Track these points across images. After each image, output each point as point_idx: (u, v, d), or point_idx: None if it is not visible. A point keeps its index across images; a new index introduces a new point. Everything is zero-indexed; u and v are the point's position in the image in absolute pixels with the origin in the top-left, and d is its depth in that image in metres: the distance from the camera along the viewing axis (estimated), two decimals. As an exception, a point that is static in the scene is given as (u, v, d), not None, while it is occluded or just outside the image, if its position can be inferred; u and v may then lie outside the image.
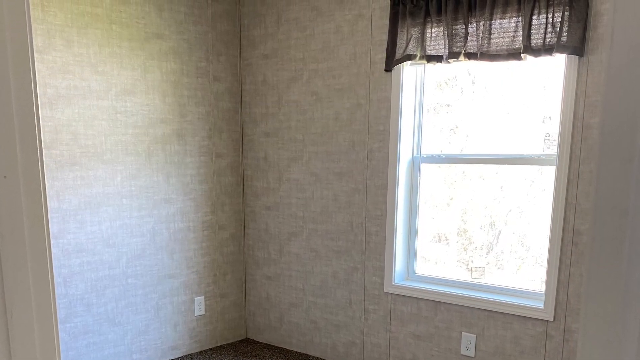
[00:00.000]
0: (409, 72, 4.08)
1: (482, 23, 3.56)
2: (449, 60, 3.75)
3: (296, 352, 4.98)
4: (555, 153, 3.55)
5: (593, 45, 3.32)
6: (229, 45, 4.83)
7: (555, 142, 3.56)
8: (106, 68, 4.09)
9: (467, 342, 4.03)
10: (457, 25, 3.67)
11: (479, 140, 4.06)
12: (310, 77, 4.53)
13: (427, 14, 3.77)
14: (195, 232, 4.80)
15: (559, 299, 3.64)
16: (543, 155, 3.71)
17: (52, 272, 1.18)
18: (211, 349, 5.02)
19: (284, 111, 4.73)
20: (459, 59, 3.70)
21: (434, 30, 3.79)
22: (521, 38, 3.44)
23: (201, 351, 4.96)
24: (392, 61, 4.00)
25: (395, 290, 4.32)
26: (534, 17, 3.37)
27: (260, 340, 5.25)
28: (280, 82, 4.72)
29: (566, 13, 3.27)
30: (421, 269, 4.38)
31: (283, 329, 5.07)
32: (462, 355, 4.07)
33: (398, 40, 3.94)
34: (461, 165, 4.16)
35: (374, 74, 4.18)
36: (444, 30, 3.72)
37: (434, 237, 4.41)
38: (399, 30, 3.93)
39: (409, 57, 3.90)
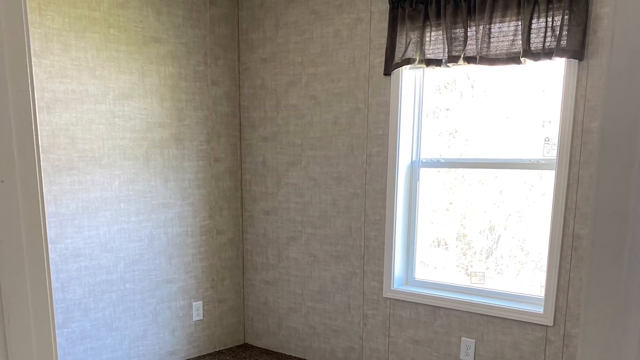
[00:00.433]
0: (408, 76, 4.08)
1: (481, 27, 3.56)
2: (448, 64, 3.74)
3: (295, 357, 4.97)
4: (555, 157, 3.55)
5: (593, 49, 3.31)
6: (227, 49, 4.83)
7: (555, 147, 3.56)
8: (104, 72, 4.09)
9: (467, 347, 4.02)
10: (456, 29, 3.67)
11: (479, 144, 4.06)
12: (308, 81, 4.53)
13: (426, 17, 3.77)
14: (194, 236, 4.79)
15: (559, 303, 3.63)
16: (543, 159, 3.71)
17: (49, 277, 1.17)
18: (209, 354, 5.01)
19: (282, 115, 4.73)
20: (458, 62, 3.70)
21: (433, 34, 3.78)
22: (521, 42, 3.44)
23: (199, 356, 4.95)
24: (391, 65, 4.00)
25: (394, 295, 4.31)
26: (534, 20, 3.37)
27: (258, 346, 5.24)
28: (278, 86, 4.72)
29: (566, 17, 3.27)
30: (420, 273, 4.37)
31: (282, 334, 5.06)
32: (462, 360, 4.07)
33: (397, 44, 3.93)
34: (460, 169, 4.16)
35: (372, 78, 4.18)
36: (443, 34, 3.72)
37: (433, 241, 4.40)
38: (398, 34, 3.92)
39: (408, 61, 3.90)
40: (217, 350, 5.10)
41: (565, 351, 3.66)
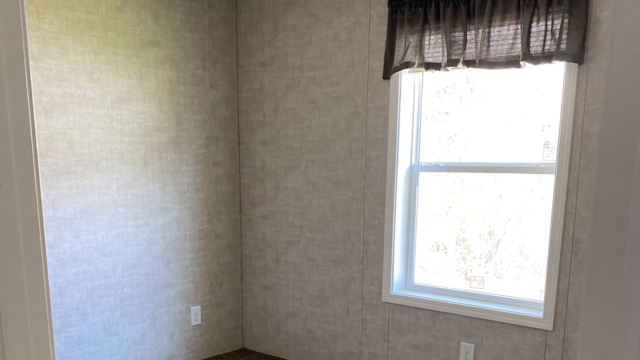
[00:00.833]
0: (407, 80, 4.08)
1: (480, 30, 3.56)
2: (447, 67, 3.74)
3: (293, 362, 4.96)
4: (555, 161, 3.54)
5: (593, 53, 3.31)
6: (226, 52, 4.83)
7: (555, 151, 3.55)
8: (102, 76, 4.08)
9: (466, 352, 4.02)
10: (455, 32, 3.67)
11: (478, 148, 4.06)
12: (307, 85, 4.52)
13: (426, 21, 3.77)
14: (192, 241, 4.78)
15: (559, 308, 3.63)
16: (542, 163, 3.70)
17: (47, 281, 1.17)
18: (208, 359, 5.00)
19: (281, 119, 4.72)
20: (458, 66, 3.69)
21: (432, 37, 3.78)
22: (520, 45, 3.43)
23: (197, 361, 4.94)
24: (390, 69, 4.00)
25: (393, 300, 4.30)
26: (533, 24, 3.37)
27: (257, 350, 5.22)
28: (277, 90, 4.71)
29: (565, 20, 3.26)
30: (419, 278, 4.37)
31: (280, 338, 5.05)
32: (461, 364, 4.06)
33: (396, 48, 3.93)
34: (460, 173, 4.15)
35: (371, 81, 4.18)
36: (442, 38, 3.72)
37: (432, 246, 4.39)
38: (397, 37, 3.92)
39: (407, 65, 3.89)
40: (215, 355, 5.08)
41: (565, 356, 3.65)
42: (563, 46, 3.29)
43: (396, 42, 3.93)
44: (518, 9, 3.42)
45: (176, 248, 4.67)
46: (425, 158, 4.20)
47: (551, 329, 3.67)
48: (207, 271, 4.92)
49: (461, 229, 4.26)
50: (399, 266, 4.30)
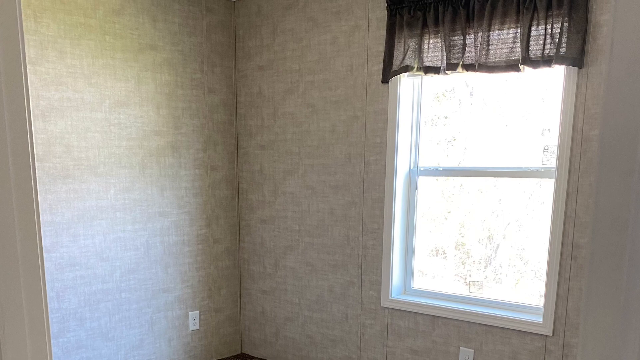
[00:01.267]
0: (406, 84, 4.08)
1: (480, 34, 3.56)
2: (446, 71, 3.74)
3: (292, 367, 4.95)
4: (554, 166, 3.54)
5: (592, 57, 3.31)
6: (224, 56, 4.83)
7: (554, 155, 3.55)
8: (99, 80, 4.08)
9: (465, 357, 4.01)
10: (454, 36, 3.67)
11: (477, 152, 4.05)
12: (306, 89, 4.52)
13: (425, 25, 3.77)
14: (190, 245, 4.77)
15: (558, 313, 3.62)
16: (542, 168, 3.70)
17: (44, 286, 1.17)
18: (206, 364, 4.99)
19: (279, 123, 4.72)
20: (457, 70, 3.69)
21: (431, 41, 3.78)
22: (519, 49, 3.43)
23: (195, 366, 4.93)
24: (389, 73, 4.00)
25: (392, 305, 4.29)
26: (533, 28, 3.37)
27: (255, 355, 5.21)
28: (275, 94, 4.71)
29: (565, 24, 3.26)
30: (418, 283, 4.36)
31: (279, 343, 5.04)
32: (460, 369, 4.05)
33: (395, 52, 3.93)
34: (459, 178, 4.15)
35: (370, 85, 4.18)
36: (441, 42, 3.71)
37: (432, 250, 4.39)
38: (396, 41, 3.92)
39: (406, 69, 3.89)
40: (213, 360, 5.08)
41: (564, 361, 3.64)
42: (563, 50, 3.29)
43: (395, 46, 3.93)
44: (517, 13, 3.42)
45: (174, 253, 4.66)
46: (425, 162, 4.20)
47: (551, 334, 3.66)
48: (205, 276, 4.91)
49: (460, 233, 4.25)
50: (398, 271, 4.29)
